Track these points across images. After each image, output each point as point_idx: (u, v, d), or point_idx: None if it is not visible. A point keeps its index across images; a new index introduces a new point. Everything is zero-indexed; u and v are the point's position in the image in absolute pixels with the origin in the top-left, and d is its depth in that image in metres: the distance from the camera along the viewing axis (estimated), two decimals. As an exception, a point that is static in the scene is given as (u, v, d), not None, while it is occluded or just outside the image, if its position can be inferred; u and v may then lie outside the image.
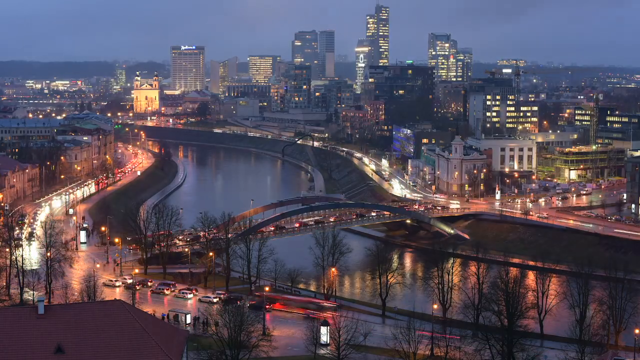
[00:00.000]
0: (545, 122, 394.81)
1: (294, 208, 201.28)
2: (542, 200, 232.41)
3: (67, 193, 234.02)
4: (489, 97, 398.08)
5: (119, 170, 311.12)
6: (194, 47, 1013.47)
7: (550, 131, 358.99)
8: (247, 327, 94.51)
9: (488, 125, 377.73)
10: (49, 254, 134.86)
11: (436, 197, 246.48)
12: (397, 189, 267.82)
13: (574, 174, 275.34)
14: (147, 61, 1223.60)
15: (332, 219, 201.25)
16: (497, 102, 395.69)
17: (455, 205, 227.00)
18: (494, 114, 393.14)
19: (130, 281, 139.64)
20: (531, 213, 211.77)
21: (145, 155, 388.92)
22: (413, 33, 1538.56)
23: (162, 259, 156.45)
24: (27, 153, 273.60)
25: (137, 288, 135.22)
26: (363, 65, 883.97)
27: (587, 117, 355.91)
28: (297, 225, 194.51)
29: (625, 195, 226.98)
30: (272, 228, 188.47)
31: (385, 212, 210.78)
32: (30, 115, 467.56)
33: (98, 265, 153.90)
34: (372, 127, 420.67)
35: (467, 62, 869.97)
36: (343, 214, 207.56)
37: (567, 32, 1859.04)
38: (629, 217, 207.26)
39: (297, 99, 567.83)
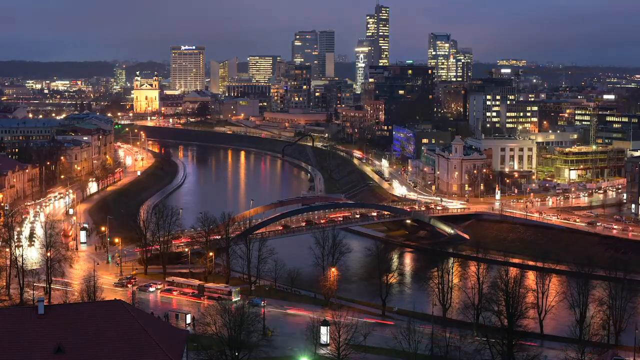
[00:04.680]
0: (545, 122, 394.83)
1: (294, 208, 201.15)
2: (537, 201, 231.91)
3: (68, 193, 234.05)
4: (489, 97, 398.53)
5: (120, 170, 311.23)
6: (194, 47, 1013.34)
7: (550, 131, 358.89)
8: (247, 327, 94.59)
9: (488, 125, 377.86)
10: (49, 254, 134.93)
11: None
12: (397, 189, 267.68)
13: (574, 174, 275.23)
14: (147, 61, 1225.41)
15: (341, 218, 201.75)
16: (497, 102, 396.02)
17: (455, 205, 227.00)
18: (494, 114, 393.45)
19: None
20: (532, 211, 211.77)
21: (145, 155, 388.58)
22: (413, 33, 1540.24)
23: (162, 259, 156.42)
24: (27, 153, 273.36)
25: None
26: (363, 65, 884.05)
27: (587, 117, 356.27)
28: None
29: (625, 195, 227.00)
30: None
31: (385, 212, 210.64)
32: (31, 115, 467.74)
33: (98, 264, 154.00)
34: (372, 127, 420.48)
35: (467, 62, 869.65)
36: (342, 214, 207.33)
37: (568, 31, 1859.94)
38: (629, 217, 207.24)
39: (297, 99, 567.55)
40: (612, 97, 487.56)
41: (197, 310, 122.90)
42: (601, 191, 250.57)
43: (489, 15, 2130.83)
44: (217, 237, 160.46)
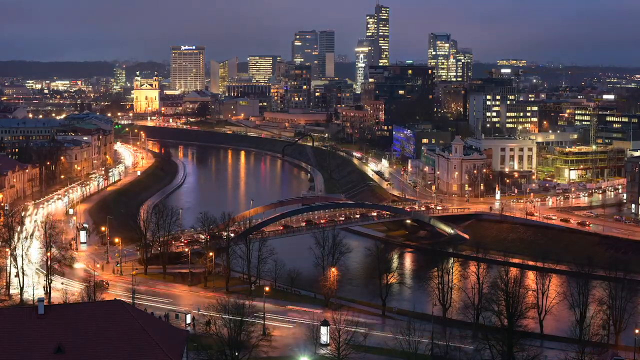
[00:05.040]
0: (545, 122, 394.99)
1: (294, 208, 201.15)
2: (538, 201, 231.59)
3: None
4: (489, 97, 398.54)
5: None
6: (194, 47, 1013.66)
7: (550, 131, 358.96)
8: (247, 327, 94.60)
9: (488, 125, 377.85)
10: (49, 254, 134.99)
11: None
12: (397, 189, 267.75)
13: (574, 174, 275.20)
14: (147, 61, 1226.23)
15: (342, 218, 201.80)
16: (497, 102, 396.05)
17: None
18: (494, 114, 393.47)
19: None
20: (535, 213, 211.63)
21: (145, 155, 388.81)
22: (413, 33, 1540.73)
23: (162, 259, 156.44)
24: (27, 153, 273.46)
25: None
26: (363, 65, 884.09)
27: (587, 117, 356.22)
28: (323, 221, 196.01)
29: (625, 195, 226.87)
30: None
31: (385, 212, 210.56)
32: (31, 115, 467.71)
33: (98, 265, 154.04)
34: (372, 127, 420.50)
35: (467, 62, 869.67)
36: (342, 214, 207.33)
37: (568, 31, 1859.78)
38: (629, 217, 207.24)
39: (297, 99, 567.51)
40: (611, 97, 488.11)
41: (197, 310, 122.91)
42: (601, 191, 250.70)
43: (489, 15, 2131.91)
44: (221, 232, 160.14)
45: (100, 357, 67.97)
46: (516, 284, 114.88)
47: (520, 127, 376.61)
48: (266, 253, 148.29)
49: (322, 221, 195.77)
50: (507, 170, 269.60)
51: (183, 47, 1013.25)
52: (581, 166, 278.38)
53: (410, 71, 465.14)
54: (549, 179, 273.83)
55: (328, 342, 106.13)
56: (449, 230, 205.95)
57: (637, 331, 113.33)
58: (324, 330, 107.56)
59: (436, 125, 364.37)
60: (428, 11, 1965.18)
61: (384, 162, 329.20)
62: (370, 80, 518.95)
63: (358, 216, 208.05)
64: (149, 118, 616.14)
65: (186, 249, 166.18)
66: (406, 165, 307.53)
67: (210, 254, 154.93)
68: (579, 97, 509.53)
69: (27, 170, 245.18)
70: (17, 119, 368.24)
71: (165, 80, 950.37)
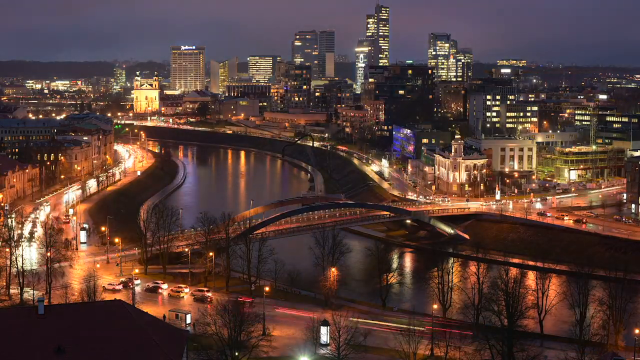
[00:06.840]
0: (545, 122, 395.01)
1: (294, 208, 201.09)
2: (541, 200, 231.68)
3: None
4: (489, 97, 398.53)
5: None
6: (194, 47, 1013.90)
7: (550, 131, 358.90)
8: (247, 327, 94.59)
9: (488, 125, 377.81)
10: (49, 254, 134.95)
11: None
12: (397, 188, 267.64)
13: (574, 174, 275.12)
14: (147, 61, 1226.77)
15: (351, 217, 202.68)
16: (497, 102, 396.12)
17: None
18: (494, 114, 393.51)
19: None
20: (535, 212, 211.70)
21: (146, 155, 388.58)
22: (413, 33, 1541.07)
23: (162, 259, 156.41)
24: (27, 153, 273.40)
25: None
26: (363, 65, 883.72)
27: (587, 117, 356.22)
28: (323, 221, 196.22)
29: (625, 195, 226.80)
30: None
31: (385, 212, 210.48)
32: (31, 115, 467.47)
33: (98, 265, 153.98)
34: (372, 127, 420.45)
35: (467, 62, 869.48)
36: (342, 214, 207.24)
37: (568, 32, 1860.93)
38: (629, 217, 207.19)
39: (297, 99, 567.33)
40: (605, 96, 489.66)
41: (197, 310, 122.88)
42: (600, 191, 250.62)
43: (489, 15, 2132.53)
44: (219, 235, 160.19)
45: (100, 357, 67.98)
46: (516, 284, 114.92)
47: (520, 127, 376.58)
48: (266, 253, 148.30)
49: (322, 221, 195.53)
50: (507, 170, 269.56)
51: (183, 47, 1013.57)
52: (581, 166, 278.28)
53: (410, 71, 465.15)
54: (549, 179, 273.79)
55: (328, 342, 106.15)
56: (449, 230, 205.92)
57: (637, 331, 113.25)
58: (324, 330, 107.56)
59: (436, 125, 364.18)
60: (428, 11, 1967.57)
61: (384, 162, 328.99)
62: (370, 80, 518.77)
63: (358, 216, 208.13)
64: (149, 118, 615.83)
65: (186, 249, 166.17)
66: (406, 165, 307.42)
67: (210, 254, 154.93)
68: (579, 97, 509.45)
69: (27, 170, 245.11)
70: (17, 119, 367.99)
71: (165, 80, 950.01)
